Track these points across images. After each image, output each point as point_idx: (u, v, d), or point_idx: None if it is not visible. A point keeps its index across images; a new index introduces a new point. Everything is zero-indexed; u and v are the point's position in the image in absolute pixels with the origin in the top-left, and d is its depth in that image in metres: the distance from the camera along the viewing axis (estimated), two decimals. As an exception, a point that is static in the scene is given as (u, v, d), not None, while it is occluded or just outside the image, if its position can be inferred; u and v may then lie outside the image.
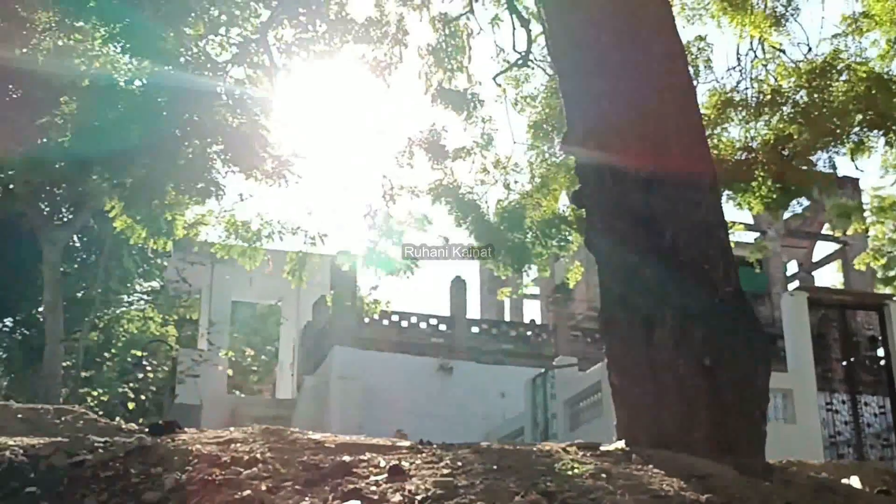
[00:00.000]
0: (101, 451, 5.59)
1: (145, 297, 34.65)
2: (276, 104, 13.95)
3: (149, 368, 32.86)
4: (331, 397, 29.39)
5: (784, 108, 15.08)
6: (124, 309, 32.75)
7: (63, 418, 8.47)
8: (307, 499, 4.93)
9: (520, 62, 16.43)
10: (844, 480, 6.96)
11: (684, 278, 7.80)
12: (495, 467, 5.52)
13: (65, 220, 25.54)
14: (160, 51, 11.95)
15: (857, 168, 20.74)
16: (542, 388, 24.67)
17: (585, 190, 8.79)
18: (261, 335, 48.18)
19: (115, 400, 29.72)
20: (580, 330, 35.86)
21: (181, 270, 32.82)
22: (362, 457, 5.70)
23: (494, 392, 29.46)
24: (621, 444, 6.94)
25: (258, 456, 5.60)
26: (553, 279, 38.80)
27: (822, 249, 44.99)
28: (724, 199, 12.90)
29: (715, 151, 13.71)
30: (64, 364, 24.85)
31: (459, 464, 5.57)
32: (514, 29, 15.99)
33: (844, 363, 20.28)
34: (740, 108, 15.29)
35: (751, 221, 34.34)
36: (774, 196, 14.86)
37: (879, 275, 27.63)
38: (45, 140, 14.87)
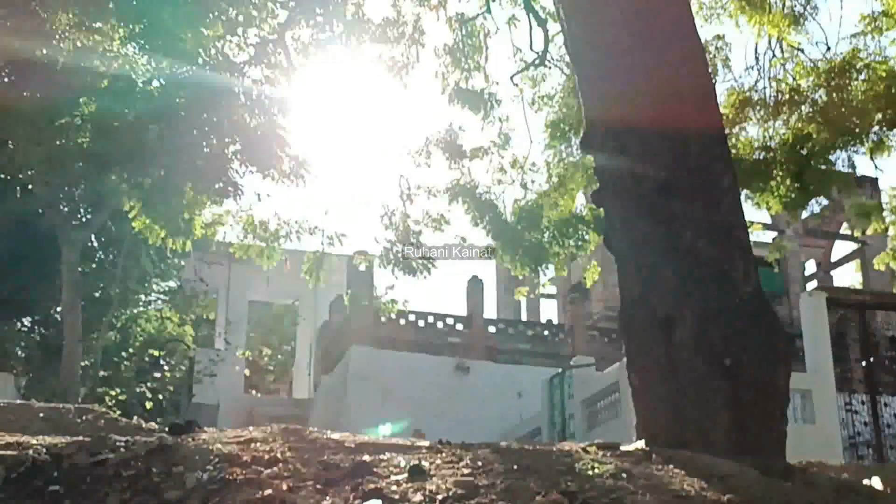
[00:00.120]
0: (122, 450, 5.61)
1: (163, 296, 34.78)
2: (294, 104, 14.04)
3: (166, 368, 33.06)
4: (348, 397, 29.44)
5: (803, 108, 15.03)
6: (142, 309, 32.89)
7: (84, 417, 8.55)
8: (328, 498, 4.94)
9: (537, 62, 16.40)
10: (866, 481, 6.91)
11: (704, 278, 7.77)
12: (515, 467, 5.51)
13: (83, 220, 25.68)
14: (179, 51, 12.00)
15: (876, 167, 20.58)
16: (560, 388, 24.63)
17: (605, 190, 8.77)
18: (277, 335, 48.28)
19: (132, 399, 29.86)
20: (597, 329, 35.86)
21: (198, 270, 33.01)
22: (382, 456, 5.70)
23: (511, 392, 29.42)
24: (641, 444, 6.92)
25: (278, 455, 5.61)
26: (570, 279, 38.94)
27: (840, 249, 44.83)
28: (742, 198, 12.85)
29: (733, 151, 13.67)
30: (82, 363, 24.99)
31: (480, 464, 5.56)
32: (531, 28, 15.99)
33: (864, 363, 20.16)
34: (759, 108, 15.25)
35: (769, 221, 34.20)
36: (793, 195, 14.80)
37: (898, 275, 27.51)
38: (64, 140, 14.96)
